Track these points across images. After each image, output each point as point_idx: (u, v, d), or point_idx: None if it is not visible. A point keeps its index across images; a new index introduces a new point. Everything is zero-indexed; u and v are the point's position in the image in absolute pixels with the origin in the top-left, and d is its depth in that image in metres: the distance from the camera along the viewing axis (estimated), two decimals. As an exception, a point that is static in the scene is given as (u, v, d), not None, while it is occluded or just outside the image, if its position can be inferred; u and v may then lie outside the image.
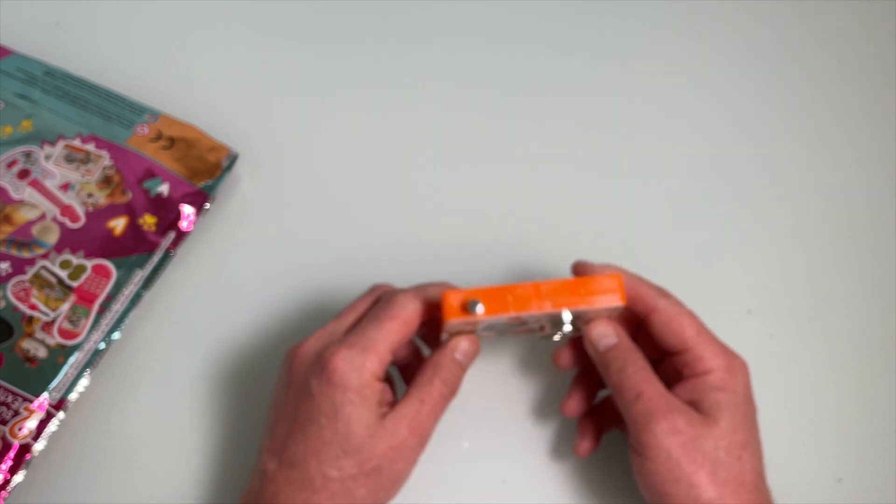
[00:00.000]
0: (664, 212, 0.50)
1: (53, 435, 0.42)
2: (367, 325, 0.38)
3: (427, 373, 0.38)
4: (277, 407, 0.38)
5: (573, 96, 0.54)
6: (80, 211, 0.46)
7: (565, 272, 0.41)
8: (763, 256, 0.49)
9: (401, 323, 0.38)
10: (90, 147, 0.47)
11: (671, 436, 0.36)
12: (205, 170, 0.47)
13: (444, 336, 0.39)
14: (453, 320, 0.36)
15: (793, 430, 0.45)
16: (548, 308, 0.37)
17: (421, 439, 0.38)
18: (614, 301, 0.37)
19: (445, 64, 0.54)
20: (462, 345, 0.39)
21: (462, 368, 0.39)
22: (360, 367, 0.37)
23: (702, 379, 0.38)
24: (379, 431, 0.36)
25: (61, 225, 0.45)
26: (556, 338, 0.40)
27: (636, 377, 0.38)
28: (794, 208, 0.51)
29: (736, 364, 0.39)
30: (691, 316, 0.40)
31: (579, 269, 0.40)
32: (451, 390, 0.39)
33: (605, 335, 0.39)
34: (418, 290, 0.39)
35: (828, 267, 0.49)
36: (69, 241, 0.45)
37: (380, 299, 0.40)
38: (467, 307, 0.36)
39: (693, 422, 0.37)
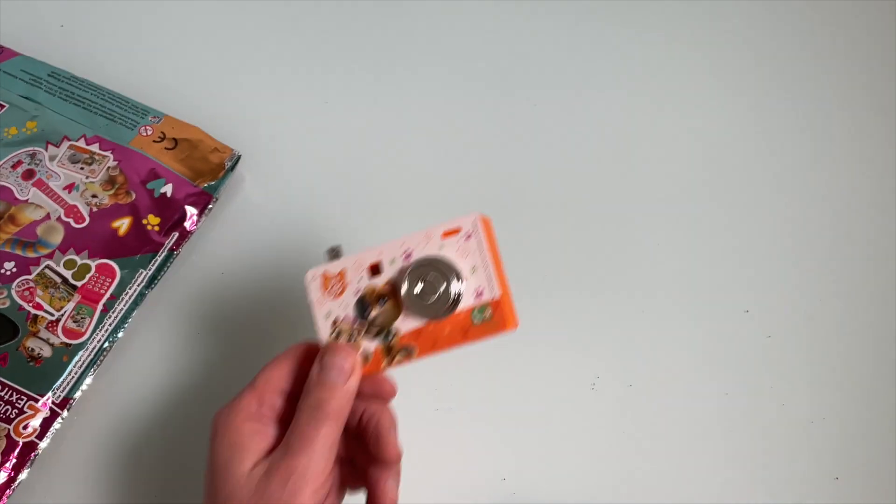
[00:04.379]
0: (663, 212, 0.51)
1: (57, 433, 0.42)
2: None
3: (298, 405, 0.34)
4: None
5: (575, 96, 0.54)
6: (84, 211, 0.46)
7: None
8: (761, 257, 0.50)
9: (281, 357, 0.35)
10: (94, 148, 0.47)
11: None
12: (208, 170, 0.48)
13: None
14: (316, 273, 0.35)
15: (790, 428, 0.45)
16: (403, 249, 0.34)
17: (297, 481, 0.32)
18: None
19: (450, 64, 0.55)
20: (317, 364, 0.34)
21: (328, 387, 0.33)
22: (230, 409, 0.34)
23: None
24: (244, 477, 0.32)
25: (66, 225, 0.45)
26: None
27: None
28: (793, 209, 0.51)
29: None
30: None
31: None
32: (324, 412, 0.33)
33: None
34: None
35: (825, 267, 0.50)
36: (74, 240, 0.45)
37: None
38: (331, 254, 0.35)
39: None
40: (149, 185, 0.47)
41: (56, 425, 0.42)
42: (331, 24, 0.56)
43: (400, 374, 0.45)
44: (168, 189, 0.47)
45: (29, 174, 0.46)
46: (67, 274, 0.44)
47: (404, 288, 0.34)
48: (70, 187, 0.46)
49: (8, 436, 0.41)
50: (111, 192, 0.46)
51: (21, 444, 0.41)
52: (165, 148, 0.48)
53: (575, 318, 0.47)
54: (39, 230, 0.45)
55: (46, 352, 0.43)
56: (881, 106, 0.55)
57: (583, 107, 0.54)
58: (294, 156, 0.51)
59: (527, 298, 0.47)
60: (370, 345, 0.35)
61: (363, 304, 0.35)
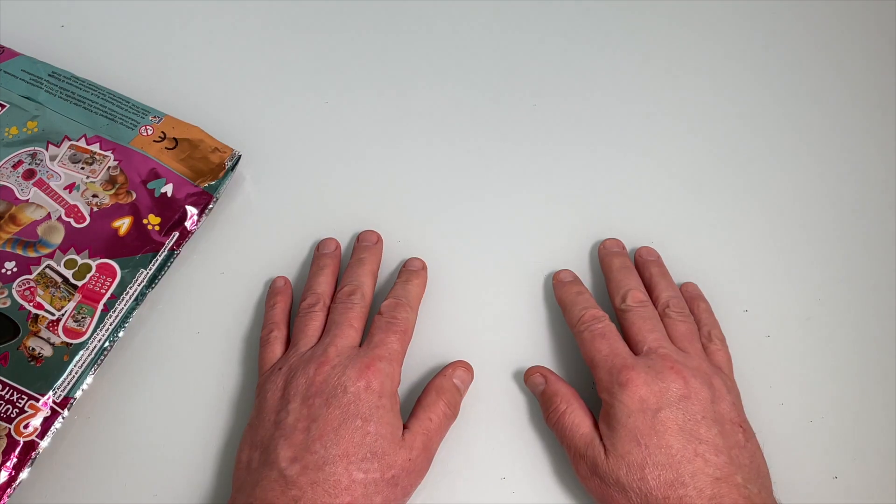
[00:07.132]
0: (661, 211, 0.51)
1: (58, 432, 0.42)
2: (385, 335, 0.41)
3: (431, 395, 0.42)
4: (286, 413, 0.39)
5: (574, 94, 0.54)
6: (85, 211, 0.46)
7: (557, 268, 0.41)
8: (760, 256, 0.50)
9: (409, 335, 0.43)
10: (95, 148, 0.48)
11: (584, 479, 0.40)
12: (208, 170, 0.48)
13: None
14: None
15: (788, 428, 0.45)
16: None
17: (429, 455, 0.40)
18: None
19: (452, 64, 0.55)
20: (459, 372, 0.43)
21: (460, 394, 0.43)
22: (392, 376, 0.40)
23: (601, 392, 0.41)
24: (400, 441, 0.39)
25: (66, 225, 0.45)
26: None
27: (554, 420, 0.41)
28: (792, 208, 0.51)
29: (619, 366, 0.40)
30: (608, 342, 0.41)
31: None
32: (454, 412, 0.42)
33: (537, 384, 0.43)
34: (404, 290, 0.44)
35: (824, 266, 0.50)
36: (74, 240, 0.45)
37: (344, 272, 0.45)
38: None
39: (596, 457, 0.39)
40: (149, 185, 0.47)
41: (57, 425, 0.42)
42: (331, 23, 0.56)
43: (401, 375, 0.45)
44: (168, 189, 0.47)
45: (30, 174, 0.47)
46: (68, 273, 0.44)
47: None
48: (71, 187, 0.46)
49: (9, 435, 0.41)
50: (112, 191, 0.47)
51: (22, 443, 0.41)
52: (166, 148, 0.48)
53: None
54: (40, 230, 0.45)
55: (47, 351, 0.43)
56: (883, 104, 0.55)
57: (582, 107, 0.54)
58: (294, 156, 0.51)
59: (526, 296, 0.47)
60: None
61: None
